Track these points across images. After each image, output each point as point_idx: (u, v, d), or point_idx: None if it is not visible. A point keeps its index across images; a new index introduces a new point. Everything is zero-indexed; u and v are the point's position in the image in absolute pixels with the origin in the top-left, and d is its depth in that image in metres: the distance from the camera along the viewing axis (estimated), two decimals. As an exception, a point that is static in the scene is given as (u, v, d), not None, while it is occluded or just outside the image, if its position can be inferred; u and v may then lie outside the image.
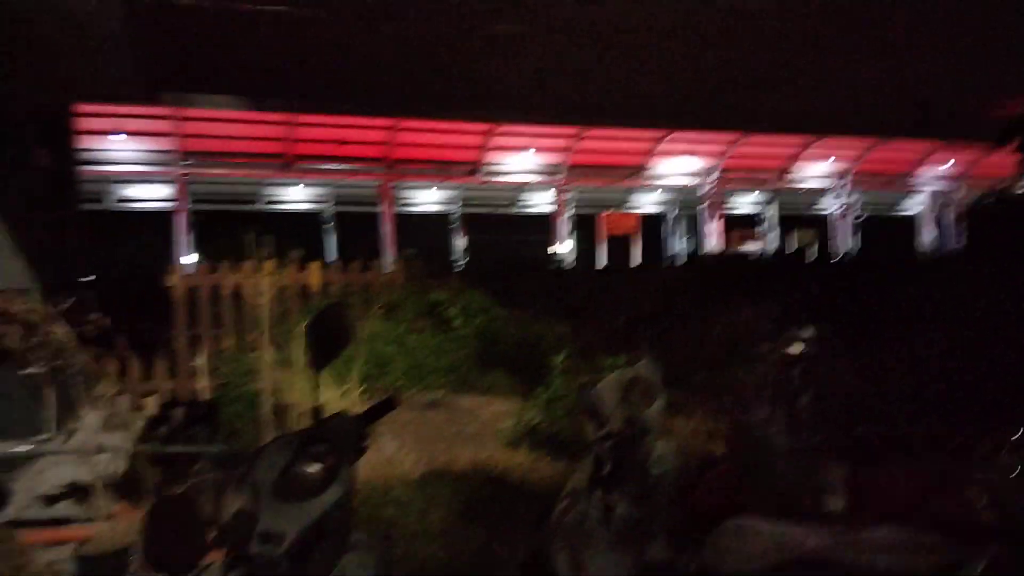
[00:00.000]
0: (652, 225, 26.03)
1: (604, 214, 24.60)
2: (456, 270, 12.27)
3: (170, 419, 4.85)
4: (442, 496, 4.33)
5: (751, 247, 24.41)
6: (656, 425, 2.53)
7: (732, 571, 1.88)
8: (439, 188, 23.07)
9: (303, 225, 21.56)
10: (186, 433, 4.69)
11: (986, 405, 3.48)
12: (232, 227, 8.56)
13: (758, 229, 26.39)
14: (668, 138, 22.13)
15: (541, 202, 24.12)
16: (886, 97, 18.43)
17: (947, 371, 4.08)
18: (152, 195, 20.42)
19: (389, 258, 17.66)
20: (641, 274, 13.69)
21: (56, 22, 8.73)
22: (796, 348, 3.28)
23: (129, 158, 18.76)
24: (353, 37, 15.00)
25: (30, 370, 4.42)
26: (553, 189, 22.77)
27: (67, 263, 9.23)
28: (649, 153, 22.81)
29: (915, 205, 27.54)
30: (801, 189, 26.06)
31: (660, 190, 25.18)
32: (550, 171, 22.38)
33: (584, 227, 24.28)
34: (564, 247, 22.63)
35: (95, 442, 4.26)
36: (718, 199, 24.47)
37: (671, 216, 26.44)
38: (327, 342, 1.85)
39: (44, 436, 4.34)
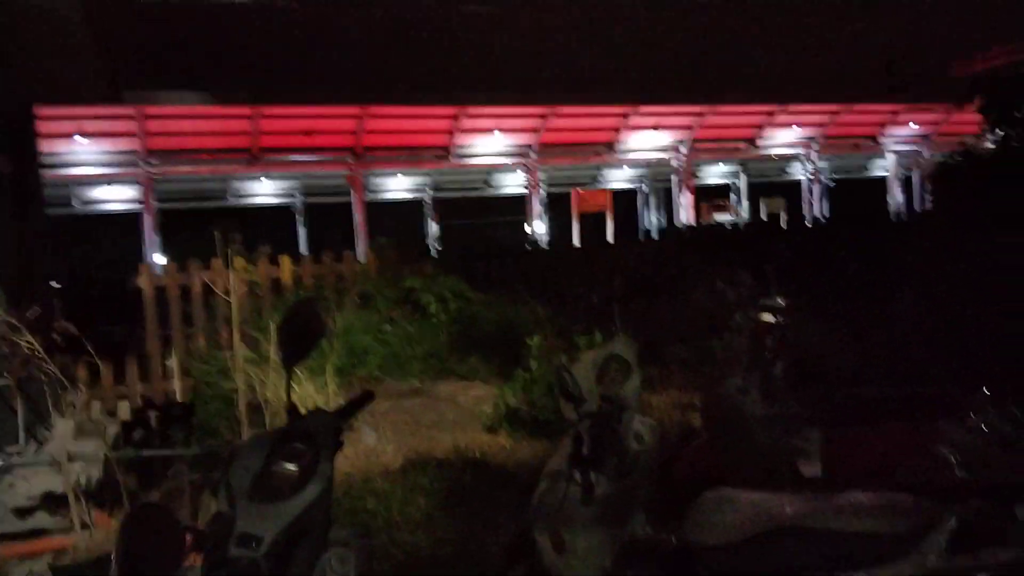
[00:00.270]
0: (625, 200, 26.10)
1: (577, 191, 24.60)
2: (430, 256, 12.21)
3: (144, 423, 4.78)
4: (423, 484, 4.31)
5: (723, 218, 24.60)
6: (633, 402, 2.53)
7: (712, 543, 1.88)
8: (410, 174, 22.93)
9: (274, 219, 21.36)
10: (161, 436, 4.63)
11: (956, 364, 3.52)
12: (201, 225, 8.45)
13: (730, 199, 26.55)
14: (636, 113, 22.10)
15: (514, 183, 24.06)
16: (851, 61, 18.53)
17: (917, 332, 4.12)
18: (118, 196, 20.12)
19: (362, 248, 17.55)
20: (615, 250, 13.71)
21: (12, 24, 8.51)
22: (769, 317, 3.30)
23: (93, 160, 18.41)
24: (316, 25, 14.81)
25: (-3, 382, 4.33)
26: (525, 169, 22.69)
27: (33, 270, 9.06)
28: (618, 129, 22.78)
29: (883, 167, 27.80)
30: (771, 157, 26.20)
31: (631, 165, 25.22)
32: (521, 151, 22.28)
33: (558, 206, 24.29)
34: (538, 227, 22.60)
35: (67, 451, 4.19)
36: (689, 171, 24.54)
37: (643, 191, 26.51)
38: (300, 338, 1.82)
39: (15, 448, 4.27)
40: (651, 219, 26.41)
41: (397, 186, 23.34)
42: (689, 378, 5.66)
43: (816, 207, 25.72)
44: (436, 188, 23.64)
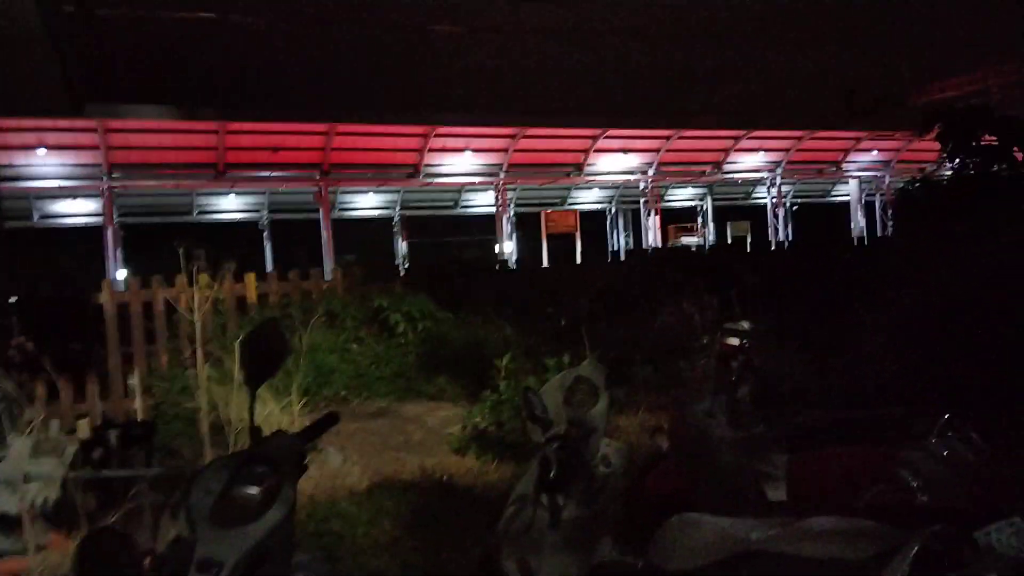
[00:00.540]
0: (594, 221, 26.32)
1: (546, 212, 24.75)
2: (398, 275, 12.16)
3: (104, 442, 4.67)
4: (389, 507, 4.26)
5: (690, 240, 24.90)
6: (600, 425, 2.53)
7: (679, 567, 1.87)
8: (379, 192, 22.88)
9: (239, 235, 21.17)
10: (122, 456, 4.52)
11: (918, 388, 3.58)
12: (165, 240, 8.32)
13: (696, 222, 26.91)
14: (604, 135, 22.33)
15: (483, 202, 24.12)
16: (814, 90, 18.94)
17: (878, 355, 4.19)
18: (79, 210, 19.79)
19: (329, 265, 17.42)
20: (583, 271, 13.78)
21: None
22: (734, 340, 3.34)
23: (53, 173, 18.06)
24: (285, 42, 14.74)
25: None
26: (494, 189, 22.76)
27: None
28: (587, 151, 22.99)
29: (846, 192, 28.38)
30: (736, 181, 26.63)
31: (600, 187, 25.46)
32: (490, 171, 22.35)
33: (527, 225, 24.40)
34: (507, 246, 22.65)
35: (24, 470, 4.07)
36: (656, 194, 24.81)
37: (612, 212, 26.76)
38: (263, 358, 1.80)
39: (-33, 468, 4.14)
40: (619, 240, 26.64)
41: (365, 204, 23.28)
42: (656, 400, 5.69)
43: (781, 230, 26.15)
44: (405, 206, 23.62)
